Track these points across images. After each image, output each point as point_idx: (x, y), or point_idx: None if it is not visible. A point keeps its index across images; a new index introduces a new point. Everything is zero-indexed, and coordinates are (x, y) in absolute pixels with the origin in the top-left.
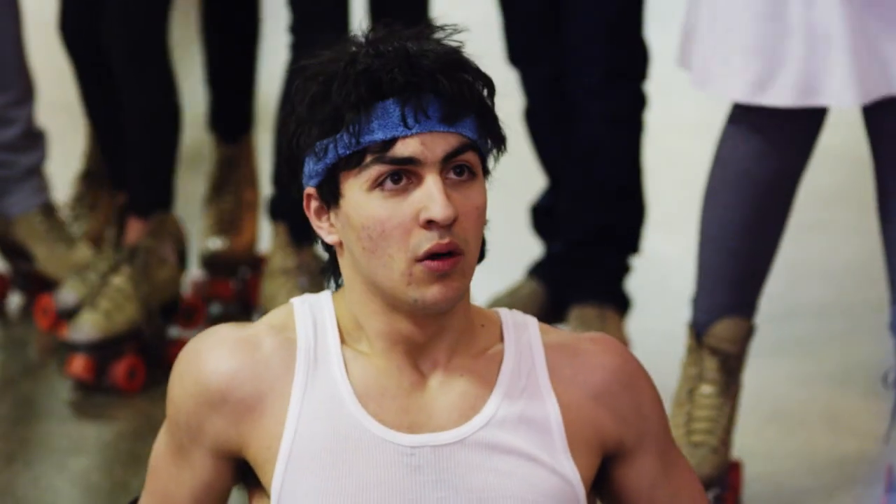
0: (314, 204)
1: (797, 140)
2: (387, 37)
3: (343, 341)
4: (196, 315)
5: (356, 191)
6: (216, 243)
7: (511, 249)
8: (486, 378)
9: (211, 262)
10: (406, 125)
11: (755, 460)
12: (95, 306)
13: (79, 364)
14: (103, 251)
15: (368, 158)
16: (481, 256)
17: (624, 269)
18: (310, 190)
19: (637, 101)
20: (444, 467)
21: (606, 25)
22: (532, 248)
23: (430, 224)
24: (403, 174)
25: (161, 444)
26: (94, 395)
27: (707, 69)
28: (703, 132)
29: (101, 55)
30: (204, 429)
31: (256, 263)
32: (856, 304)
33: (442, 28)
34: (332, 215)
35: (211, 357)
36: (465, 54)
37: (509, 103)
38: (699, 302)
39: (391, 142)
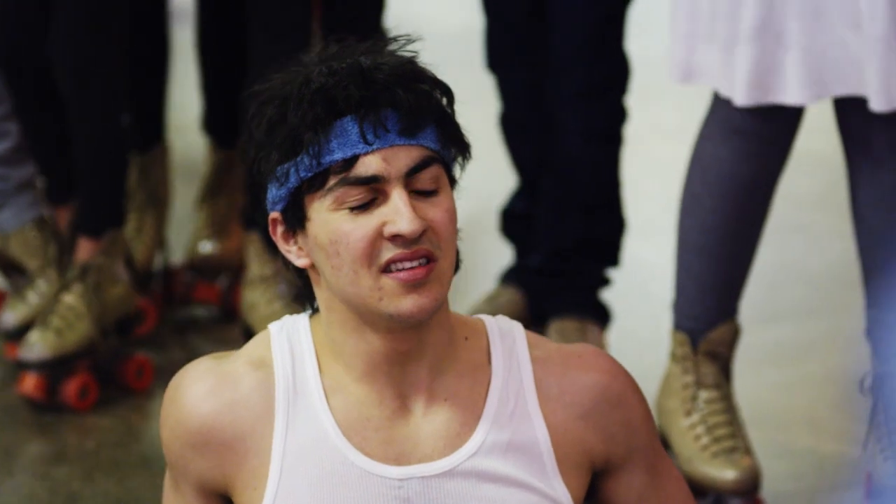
0: (280, 228)
1: (774, 141)
2: (339, 53)
3: (322, 370)
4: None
5: (322, 212)
6: (206, 247)
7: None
8: (473, 401)
9: (200, 265)
10: (366, 141)
11: None
12: (47, 325)
13: (30, 383)
14: (49, 270)
15: (332, 181)
16: (456, 267)
17: (603, 282)
18: (275, 215)
19: (616, 115)
20: (432, 498)
21: (587, 38)
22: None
23: (395, 238)
24: (368, 192)
25: (166, 476)
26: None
27: (682, 60)
28: (683, 138)
29: (42, 73)
30: (189, 469)
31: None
32: (836, 308)
33: (395, 39)
34: (299, 239)
35: (190, 397)
36: (421, 64)
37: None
38: (687, 310)
39: (352, 160)
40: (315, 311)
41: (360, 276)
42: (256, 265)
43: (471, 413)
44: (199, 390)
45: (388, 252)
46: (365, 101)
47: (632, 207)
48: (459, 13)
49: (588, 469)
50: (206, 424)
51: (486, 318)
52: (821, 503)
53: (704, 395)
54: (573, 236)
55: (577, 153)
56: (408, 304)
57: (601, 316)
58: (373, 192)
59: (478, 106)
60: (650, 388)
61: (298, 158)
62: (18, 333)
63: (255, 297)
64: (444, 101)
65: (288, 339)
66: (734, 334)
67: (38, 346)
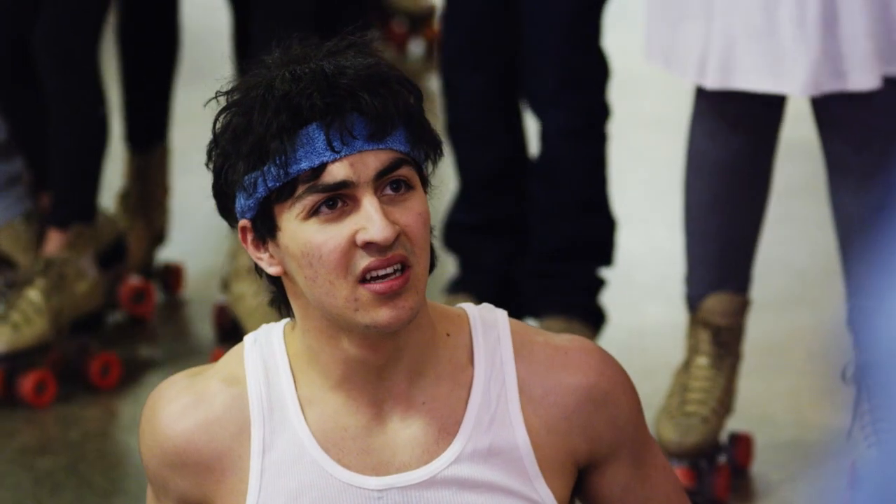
0: (250, 237)
1: (756, 123)
2: (302, 56)
3: (297, 381)
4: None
5: (292, 221)
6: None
7: None
8: (453, 406)
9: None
10: (333, 149)
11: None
12: (5, 319)
13: None
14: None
15: (300, 189)
16: (432, 266)
17: (595, 283)
18: (244, 223)
19: (595, 111)
20: None
21: (561, 33)
22: None
23: (368, 246)
24: (338, 199)
25: (148, 489)
26: (59, 395)
27: (654, 43)
28: (667, 128)
29: (26, 63)
30: (169, 486)
31: None
32: (821, 298)
33: (360, 40)
34: (270, 247)
35: (164, 418)
36: (386, 65)
37: None
38: (689, 277)
39: (320, 168)
40: (292, 317)
41: (335, 287)
42: (244, 256)
43: (450, 418)
44: (174, 410)
45: (363, 261)
46: (330, 109)
47: (615, 197)
48: None
49: (572, 469)
50: (180, 445)
51: (470, 310)
52: (805, 492)
53: (698, 360)
54: (560, 237)
55: (558, 152)
56: (384, 314)
57: (591, 317)
58: (343, 199)
59: None
60: (634, 377)
61: (265, 168)
62: None
63: (242, 288)
64: (412, 100)
65: (261, 352)
66: (734, 306)
67: None
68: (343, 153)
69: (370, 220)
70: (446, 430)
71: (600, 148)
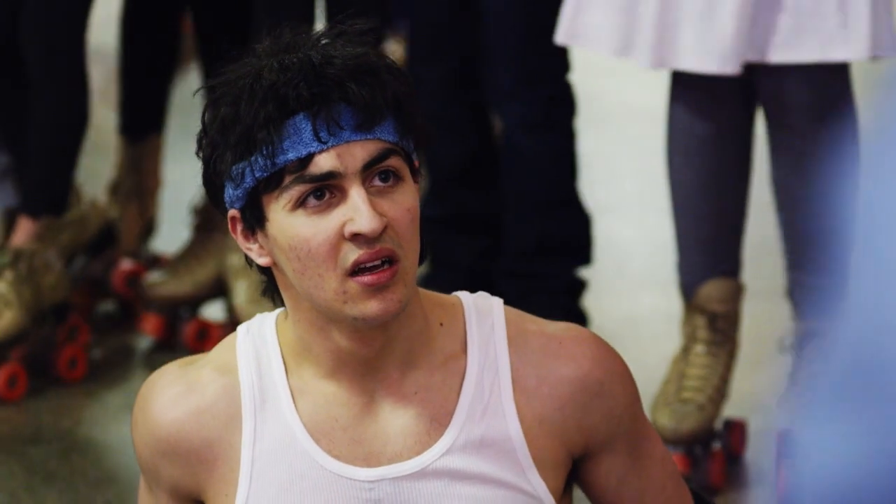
0: (239, 227)
1: (729, 98)
2: (290, 45)
3: (288, 370)
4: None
5: (279, 213)
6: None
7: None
8: (445, 396)
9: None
10: (319, 140)
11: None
12: None
13: None
14: None
15: (287, 179)
16: (422, 259)
17: (573, 282)
18: (233, 213)
19: (557, 103)
20: (405, 499)
21: (516, 27)
22: None
23: (356, 237)
24: (326, 189)
25: (141, 479)
26: (49, 383)
27: (575, 23)
28: (656, 116)
29: (10, 52)
30: (161, 475)
31: None
32: None
33: (351, 29)
34: (259, 237)
35: (156, 406)
36: (375, 54)
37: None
38: (681, 264)
39: (307, 159)
40: (283, 306)
41: (324, 280)
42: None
43: (442, 408)
44: (166, 399)
45: (352, 253)
46: (316, 98)
47: (605, 185)
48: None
49: (566, 460)
50: (172, 434)
51: (465, 298)
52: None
53: (695, 348)
54: (532, 235)
55: (519, 146)
56: (372, 307)
57: (572, 317)
58: (330, 190)
59: None
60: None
61: (253, 158)
62: None
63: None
64: (402, 89)
65: (253, 341)
66: (730, 291)
67: None
68: (330, 144)
69: (357, 210)
70: (438, 420)
71: (563, 141)
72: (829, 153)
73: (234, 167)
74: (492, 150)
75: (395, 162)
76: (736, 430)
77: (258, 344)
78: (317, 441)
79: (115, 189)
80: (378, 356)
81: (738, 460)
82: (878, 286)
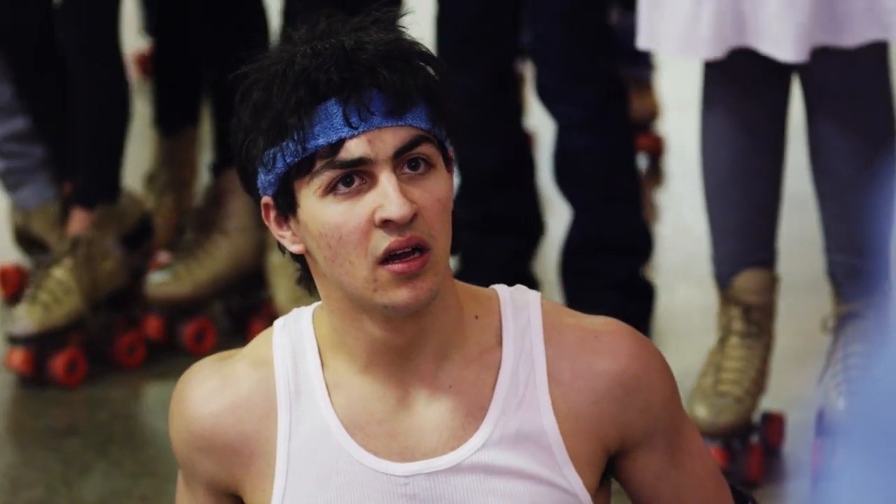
0: (272, 213)
1: (764, 84)
2: (325, 32)
3: (324, 364)
4: None
5: (310, 198)
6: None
7: None
8: (480, 389)
9: None
10: (350, 125)
11: None
12: (35, 299)
13: (17, 357)
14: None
15: (318, 164)
16: (454, 249)
17: (634, 281)
18: (266, 200)
19: (607, 100)
20: (440, 494)
21: (563, 25)
22: None
23: (386, 224)
24: (356, 175)
25: (179, 474)
26: (88, 375)
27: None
28: (690, 109)
29: (46, 46)
30: (198, 470)
31: None
32: None
33: (386, 16)
34: (292, 224)
35: (193, 401)
36: (409, 40)
37: None
38: (716, 255)
39: (338, 144)
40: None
41: (355, 267)
42: None
43: (477, 402)
44: (202, 393)
45: (383, 241)
46: (347, 84)
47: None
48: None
49: (602, 455)
50: (208, 428)
51: (502, 291)
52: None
53: (731, 340)
54: (586, 232)
55: (571, 145)
56: (402, 295)
57: (629, 316)
58: (360, 176)
59: None
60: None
61: (284, 144)
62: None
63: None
64: (435, 76)
65: (290, 335)
66: (765, 282)
67: (24, 320)
68: (361, 129)
69: (387, 197)
70: (473, 414)
71: (618, 138)
72: (870, 136)
73: (266, 153)
74: (524, 152)
75: (426, 149)
76: (774, 424)
77: (294, 338)
78: (352, 435)
79: (151, 181)
80: (412, 347)
81: (776, 454)
82: None
